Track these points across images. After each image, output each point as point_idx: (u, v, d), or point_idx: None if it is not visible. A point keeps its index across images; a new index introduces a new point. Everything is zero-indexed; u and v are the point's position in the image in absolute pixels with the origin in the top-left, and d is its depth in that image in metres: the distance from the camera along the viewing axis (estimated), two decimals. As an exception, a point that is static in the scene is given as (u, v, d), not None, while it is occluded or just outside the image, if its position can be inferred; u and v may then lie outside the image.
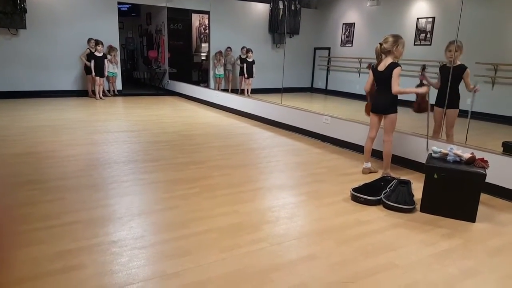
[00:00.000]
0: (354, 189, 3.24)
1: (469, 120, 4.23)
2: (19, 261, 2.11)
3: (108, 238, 2.40)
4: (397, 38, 3.60)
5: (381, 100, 3.76)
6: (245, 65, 9.39)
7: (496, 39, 6.84)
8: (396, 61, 3.64)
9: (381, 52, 3.66)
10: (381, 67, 3.68)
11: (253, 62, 9.39)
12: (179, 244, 2.36)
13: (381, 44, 3.63)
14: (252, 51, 9.42)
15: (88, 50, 8.68)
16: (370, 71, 3.83)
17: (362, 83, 4.26)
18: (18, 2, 7.92)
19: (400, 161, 4.22)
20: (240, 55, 9.83)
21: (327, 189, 3.48)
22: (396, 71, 3.56)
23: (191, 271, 2.07)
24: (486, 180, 2.88)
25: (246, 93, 9.42)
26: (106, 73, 8.98)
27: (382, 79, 3.68)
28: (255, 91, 9.32)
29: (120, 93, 9.74)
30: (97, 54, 8.62)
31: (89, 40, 8.81)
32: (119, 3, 9.43)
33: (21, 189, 3.17)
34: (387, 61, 3.64)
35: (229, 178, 3.69)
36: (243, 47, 9.77)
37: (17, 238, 2.36)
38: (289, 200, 3.19)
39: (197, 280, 1.99)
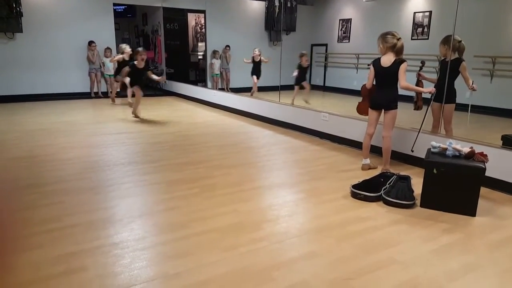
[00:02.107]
0: (354, 186, 3.24)
1: (469, 115, 4.23)
2: (20, 266, 2.10)
3: (110, 240, 2.40)
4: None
5: (384, 96, 3.74)
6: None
7: (494, 32, 6.83)
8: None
9: (392, 48, 3.64)
10: (385, 63, 3.66)
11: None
12: (180, 244, 2.37)
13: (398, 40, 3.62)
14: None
15: (121, 57, 7.81)
16: (372, 68, 3.80)
17: (360, 78, 4.27)
18: (14, 5, 7.91)
19: (399, 157, 4.23)
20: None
21: (327, 186, 3.48)
22: (403, 66, 3.59)
23: (193, 271, 2.07)
24: (486, 174, 2.88)
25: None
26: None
27: (387, 75, 3.67)
28: (250, 89, 9.23)
29: (118, 94, 9.72)
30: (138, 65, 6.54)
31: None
32: (114, 4, 9.42)
33: (20, 194, 3.17)
34: (391, 56, 3.64)
35: (228, 177, 3.69)
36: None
37: (18, 242, 2.36)
38: (288, 198, 3.20)
39: (199, 280, 1.99)
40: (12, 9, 7.90)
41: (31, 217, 2.72)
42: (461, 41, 4.08)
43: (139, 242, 2.37)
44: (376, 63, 3.74)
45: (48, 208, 2.88)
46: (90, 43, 8.99)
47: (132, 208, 2.90)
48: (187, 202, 3.04)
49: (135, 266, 2.11)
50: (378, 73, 3.74)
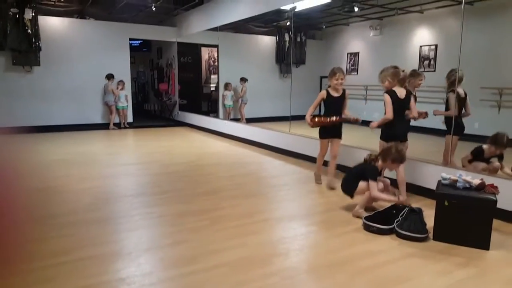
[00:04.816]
0: (366, 218, 3.20)
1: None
2: (29, 300, 2.11)
3: (117, 275, 2.39)
4: None
5: (404, 126, 3.89)
6: None
7: (500, 63, 6.86)
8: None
9: (401, 80, 3.82)
10: (401, 95, 3.80)
11: None
12: (189, 280, 2.34)
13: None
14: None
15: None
16: (389, 98, 3.79)
17: (369, 109, 4.30)
18: (34, 40, 8.27)
19: (408, 188, 4.16)
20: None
21: (338, 218, 3.44)
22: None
23: (200, 308, 2.04)
24: (498, 206, 2.82)
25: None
26: None
27: (403, 106, 3.80)
28: (263, 119, 9.36)
29: (131, 125, 9.94)
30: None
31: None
32: (131, 39, 9.82)
33: (31, 225, 3.19)
34: (402, 89, 3.81)
35: (239, 209, 3.68)
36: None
37: (28, 276, 2.37)
38: (299, 231, 3.16)
39: (207, 317, 1.96)
40: (31, 44, 8.24)
41: (41, 249, 2.73)
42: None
43: (146, 278, 2.36)
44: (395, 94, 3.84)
45: (59, 240, 2.90)
46: (111, 77, 9.29)
47: (140, 242, 2.90)
48: (195, 235, 3.03)
49: (143, 301, 2.09)
50: (397, 104, 3.81)
